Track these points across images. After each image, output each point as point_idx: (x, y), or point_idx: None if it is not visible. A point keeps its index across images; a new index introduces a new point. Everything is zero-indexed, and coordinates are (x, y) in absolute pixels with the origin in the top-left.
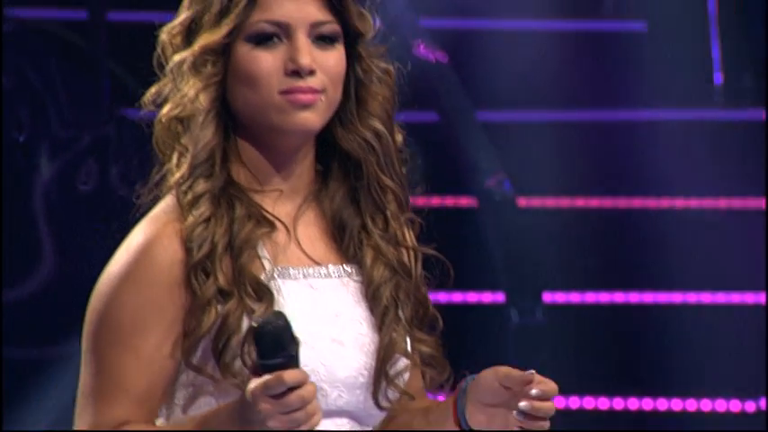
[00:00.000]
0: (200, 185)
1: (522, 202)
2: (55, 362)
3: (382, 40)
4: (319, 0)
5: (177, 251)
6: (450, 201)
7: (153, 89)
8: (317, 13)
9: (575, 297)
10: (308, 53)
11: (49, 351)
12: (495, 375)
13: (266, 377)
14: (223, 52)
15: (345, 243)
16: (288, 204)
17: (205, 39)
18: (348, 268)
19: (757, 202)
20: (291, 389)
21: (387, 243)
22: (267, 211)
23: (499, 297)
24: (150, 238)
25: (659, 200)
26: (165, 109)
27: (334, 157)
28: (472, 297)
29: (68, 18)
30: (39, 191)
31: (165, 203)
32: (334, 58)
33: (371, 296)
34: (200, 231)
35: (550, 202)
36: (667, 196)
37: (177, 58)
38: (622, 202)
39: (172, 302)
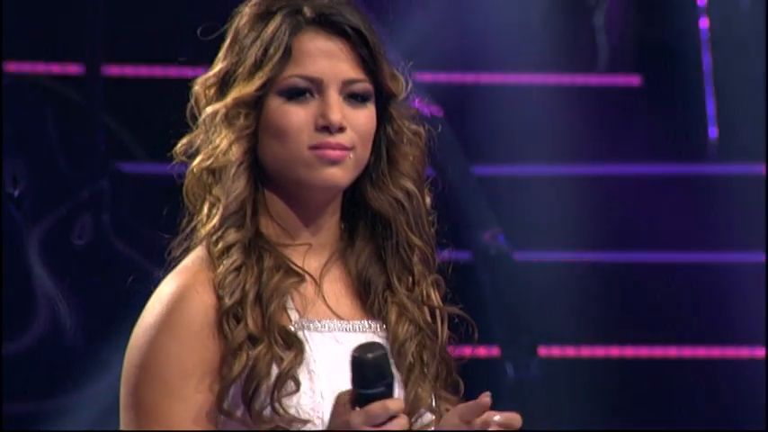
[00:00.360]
0: (231, 236)
1: (518, 256)
2: (52, 415)
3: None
4: (353, 58)
5: (210, 298)
6: (444, 255)
7: (185, 140)
8: (350, 71)
9: (570, 351)
10: (338, 110)
11: (46, 404)
12: (455, 413)
13: (370, 406)
14: (255, 105)
15: (371, 300)
16: (315, 259)
17: (238, 91)
18: (372, 324)
19: (756, 257)
20: (391, 417)
21: (412, 302)
22: (295, 264)
23: (494, 351)
24: (183, 286)
25: (655, 254)
26: (198, 160)
27: (360, 216)
28: (467, 351)
29: (65, 73)
30: (34, 244)
31: (196, 254)
32: (364, 117)
33: (397, 352)
34: (232, 279)
35: (546, 256)
36: (664, 250)
37: (210, 109)
38: (618, 257)
39: (209, 349)
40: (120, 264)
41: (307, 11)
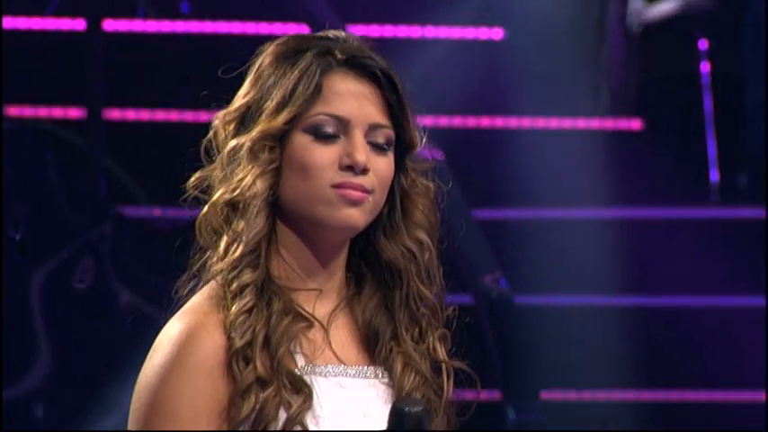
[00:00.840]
0: (247, 275)
1: (519, 299)
2: None
3: None
4: (380, 103)
5: (220, 338)
6: (446, 299)
7: (198, 173)
8: (377, 116)
9: (572, 395)
10: (364, 151)
11: None
12: None
13: None
14: (281, 139)
15: (378, 349)
16: (323, 305)
17: (265, 124)
18: (377, 371)
19: (757, 300)
20: None
21: (419, 354)
22: (305, 310)
23: (496, 395)
24: (194, 326)
25: (657, 298)
26: (220, 192)
27: (368, 265)
28: (469, 395)
29: (66, 117)
30: (35, 288)
31: (205, 293)
32: (384, 163)
33: None
34: (243, 320)
35: (547, 300)
36: (665, 294)
37: (234, 142)
38: (620, 300)
39: (219, 390)
40: (122, 307)
41: (338, 52)
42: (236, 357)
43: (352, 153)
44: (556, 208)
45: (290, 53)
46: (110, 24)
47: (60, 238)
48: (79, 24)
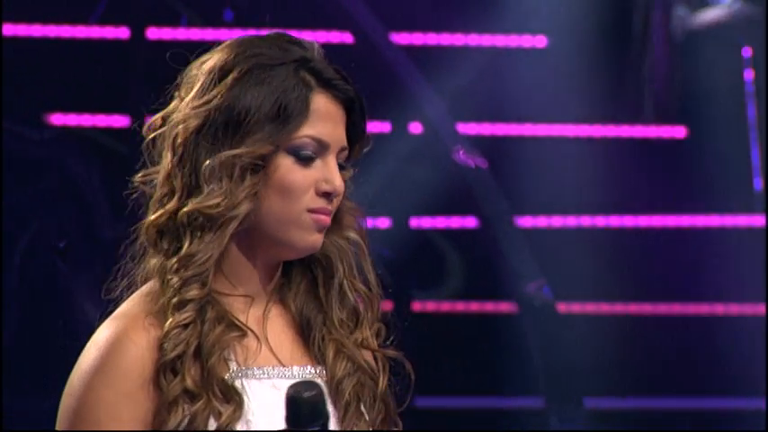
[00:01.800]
0: (193, 291)
1: (562, 307)
2: None
3: (425, 144)
4: (345, 124)
5: (148, 346)
6: (489, 306)
7: (144, 171)
8: (344, 138)
9: (616, 403)
10: (339, 177)
11: None
12: None
13: None
14: (264, 159)
15: (312, 338)
16: (257, 307)
17: (254, 145)
18: (314, 370)
19: None
20: None
21: (352, 342)
22: (237, 318)
23: (539, 402)
24: (120, 332)
25: (700, 305)
26: (200, 201)
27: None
28: (512, 403)
29: (109, 125)
30: (79, 296)
31: (138, 298)
32: (343, 181)
33: (334, 390)
34: (177, 333)
35: (590, 307)
36: (709, 301)
37: (214, 159)
38: (663, 308)
39: (144, 396)
40: None
41: (317, 71)
42: (164, 369)
43: (331, 180)
44: (599, 215)
45: (266, 63)
46: (153, 33)
47: (104, 246)
48: (123, 33)
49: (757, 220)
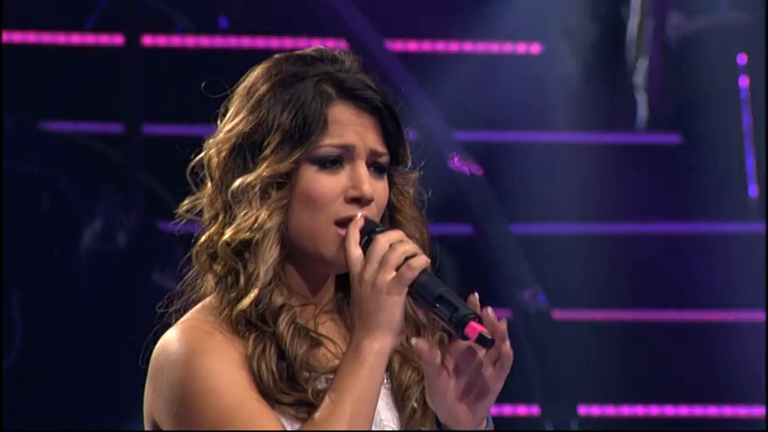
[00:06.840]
0: (277, 299)
1: (557, 314)
2: None
3: (416, 153)
4: (379, 131)
5: (224, 339)
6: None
7: (189, 199)
8: (377, 143)
9: (610, 410)
10: (369, 182)
11: None
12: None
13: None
14: (288, 175)
15: None
16: (320, 318)
17: (273, 164)
18: None
19: None
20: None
21: (416, 353)
22: (310, 329)
23: (534, 410)
24: (194, 325)
25: (695, 312)
26: (233, 230)
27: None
28: (507, 410)
29: (104, 132)
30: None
31: (201, 307)
32: (382, 188)
33: (400, 398)
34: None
35: (585, 314)
36: (703, 308)
37: (239, 182)
38: (657, 315)
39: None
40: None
41: (339, 82)
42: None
43: (359, 185)
44: (594, 222)
45: (288, 80)
46: (148, 40)
47: (98, 253)
48: (118, 39)
49: (752, 227)
